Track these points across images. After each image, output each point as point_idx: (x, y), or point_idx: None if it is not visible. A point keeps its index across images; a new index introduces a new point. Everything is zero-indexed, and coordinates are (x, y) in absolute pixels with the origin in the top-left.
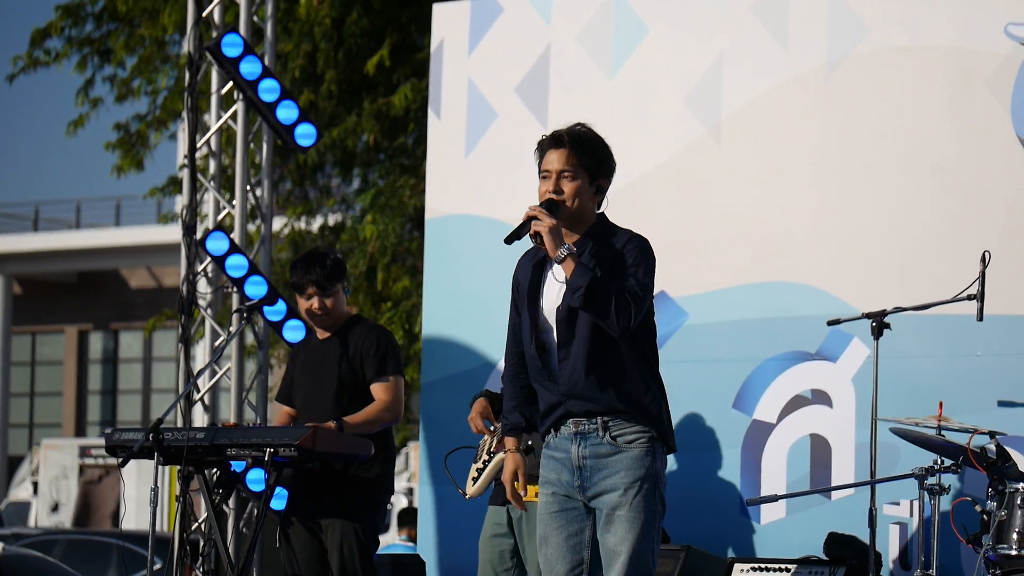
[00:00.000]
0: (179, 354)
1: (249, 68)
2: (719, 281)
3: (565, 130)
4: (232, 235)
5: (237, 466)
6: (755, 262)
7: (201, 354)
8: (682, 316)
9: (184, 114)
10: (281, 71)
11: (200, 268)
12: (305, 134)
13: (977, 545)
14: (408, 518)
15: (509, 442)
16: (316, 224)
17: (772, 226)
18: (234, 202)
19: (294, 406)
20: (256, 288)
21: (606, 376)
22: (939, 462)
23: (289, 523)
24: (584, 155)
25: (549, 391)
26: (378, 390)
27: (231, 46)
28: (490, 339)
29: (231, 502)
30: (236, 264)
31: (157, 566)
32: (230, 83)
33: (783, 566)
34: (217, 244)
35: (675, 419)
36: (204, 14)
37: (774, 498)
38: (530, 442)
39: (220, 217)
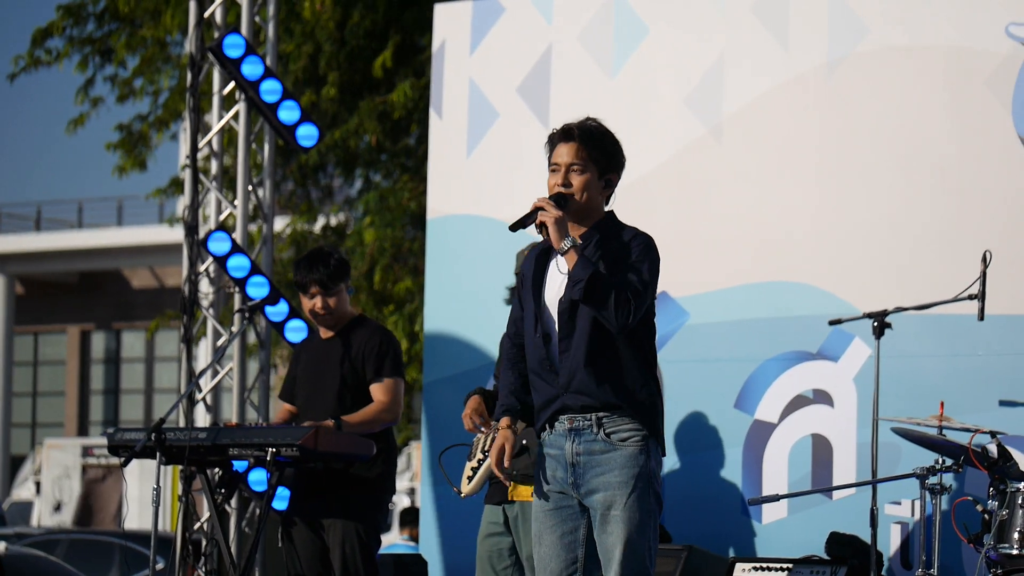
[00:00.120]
0: (181, 354)
1: (251, 69)
2: (720, 281)
3: (575, 124)
4: (234, 235)
5: (239, 466)
6: (756, 262)
7: (203, 354)
8: (683, 316)
9: (186, 115)
10: (283, 72)
11: (202, 268)
12: (307, 135)
13: (978, 545)
14: (410, 518)
15: (502, 422)
16: (318, 225)
17: (773, 226)
18: (236, 202)
19: (295, 404)
20: (258, 288)
21: (604, 371)
22: (940, 462)
23: (292, 523)
24: (594, 149)
25: (548, 383)
26: (377, 391)
27: (233, 47)
28: (492, 339)
29: (233, 502)
30: (238, 264)
31: (159, 566)
32: (232, 83)
33: (785, 566)
34: (219, 244)
35: (677, 419)
36: (206, 15)
37: (776, 498)
38: (524, 442)
39: (222, 217)
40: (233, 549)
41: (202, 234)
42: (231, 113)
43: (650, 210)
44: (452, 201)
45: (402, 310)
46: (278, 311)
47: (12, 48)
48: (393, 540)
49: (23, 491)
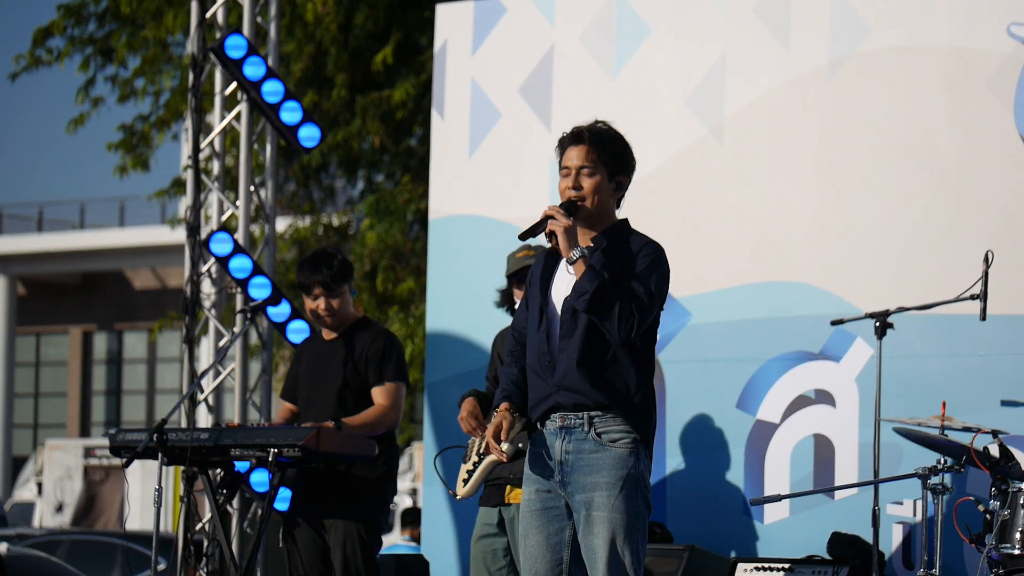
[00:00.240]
0: (183, 355)
1: (253, 69)
2: (722, 281)
3: (585, 126)
4: (236, 236)
5: (241, 466)
6: (758, 262)
7: (205, 355)
8: (685, 316)
9: (188, 115)
10: (284, 72)
11: (204, 269)
12: (309, 135)
13: (980, 545)
14: (411, 518)
15: (501, 407)
16: (321, 225)
17: (775, 226)
18: (238, 203)
19: (297, 404)
20: (260, 289)
21: (598, 371)
22: (942, 462)
23: (294, 524)
24: (603, 151)
25: (543, 380)
26: (378, 395)
27: (235, 47)
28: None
29: (235, 502)
30: (240, 265)
31: (161, 566)
32: (234, 84)
33: (786, 566)
34: (221, 245)
35: (679, 419)
36: (208, 15)
37: (777, 498)
38: (520, 445)
39: (224, 218)
40: (235, 550)
41: (204, 235)
42: (233, 113)
43: (652, 210)
44: (454, 201)
45: (407, 310)
46: (280, 312)
47: (13, 48)
48: (394, 540)
49: (25, 492)
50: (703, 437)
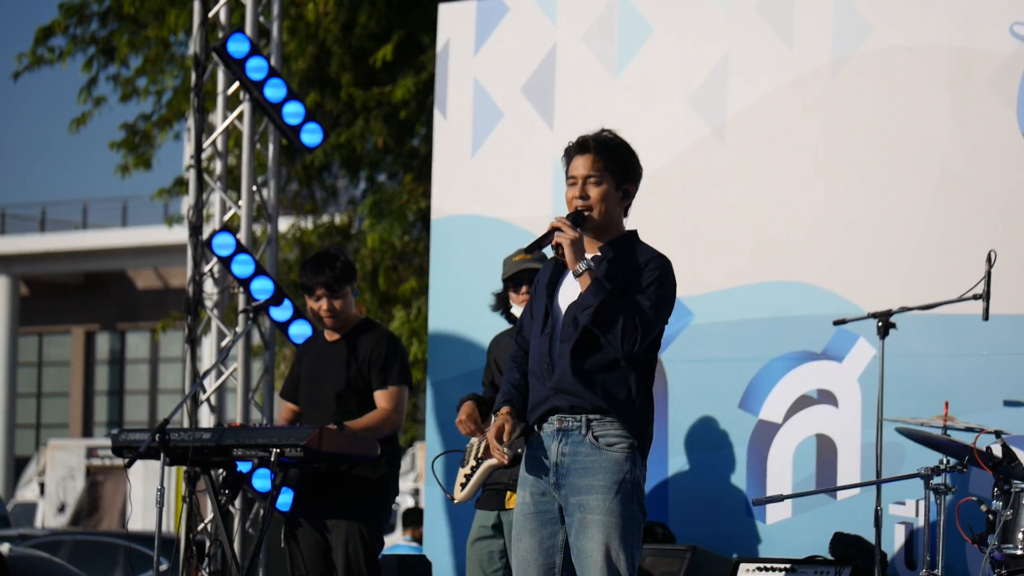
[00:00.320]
0: (185, 355)
1: (255, 68)
2: (725, 281)
3: (591, 136)
4: (238, 236)
5: (243, 466)
6: (760, 262)
7: (207, 354)
8: (688, 316)
9: (190, 114)
10: (286, 72)
11: (206, 268)
12: (311, 135)
13: (983, 545)
14: (413, 518)
15: (502, 411)
16: (323, 226)
17: (777, 225)
18: (240, 202)
19: (299, 404)
20: (262, 288)
21: (597, 375)
22: (945, 462)
23: (296, 524)
24: (610, 160)
25: (542, 383)
26: (380, 398)
27: (237, 47)
28: None
29: (237, 502)
30: (242, 265)
31: (163, 567)
32: (236, 83)
33: (789, 566)
34: (223, 245)
35: (681, 419)
36: (210, 15)
37: (780, 498)
38: (520, 450)
39: (226, 217)
40: (237, 550)
41: (206, 234)
42: (235, 113)
43: (654, 210)
44: (456, 201)
45: (409, 308)
46: (282, 311)
47: (16, 47)
48: (396, 541)
49: (27, 492)
50: (705, 437)
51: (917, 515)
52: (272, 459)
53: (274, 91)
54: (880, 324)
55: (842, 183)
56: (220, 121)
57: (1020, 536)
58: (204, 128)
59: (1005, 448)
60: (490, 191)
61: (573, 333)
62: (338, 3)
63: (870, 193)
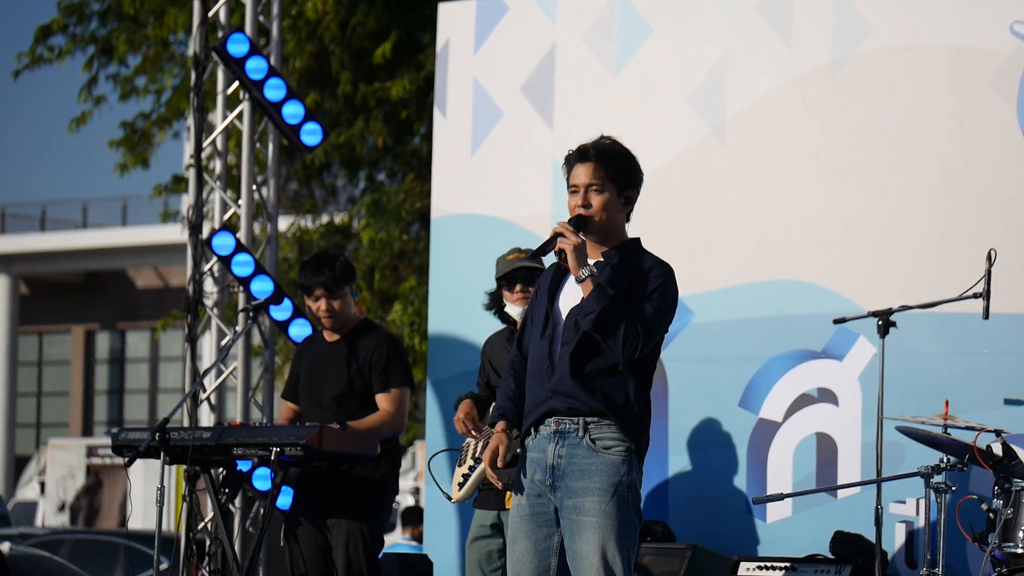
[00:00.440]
0: (185, 354)
1: (255, 68)
2: (725, 280)
3: (591, 144)
4: (238, 235)
5: (243, 465)
6: (760, 261)
7: (208, 353)
8: (688, 315)
9: (190, 114)
10: (285, 71)
11: (206, 268)
12: (311, 134)
13: (983, 543)
14: (411, 517)
15: (498, 426)
16: (322, 225)
17: (777, 224)
18: (240, 201)
19: (299, 404)
20: (262, 287)
21: (596, 378)
22: (945, 460)
23: (296, 523)
24: (611, 168)
25: (541, 385)
26: (382, 400)
27: (237, 46)
28: None
29: (237, 501)
30: (242, 263)
31: (163, 565)
32: (236, 83)
33: (789, 565)
34: (223, 244)
35: (681, 418)
36: (210, 14)
37: (780, 497)
38: (518, 451)
39: (226, 217)
40: (237, 549)
41: (206, 233)
42: (235, 112)
43: (654, 209)
44: (456, 200)
45: (412, 304)
46: (282, 310)
47: (15, 47)
48: (395, 540)
49: (28, 491)
50: (705, 436)
51: (917, 514)
52: (272, 458)
53: (274, 91)
54: (880, 323)
55: (842, 182)
56: (220, 120)
57: (1021, 534)
58: (204, 127)
59: (1005, 446)
60: (490, 190)
61: (574, 336)
62: (337, 1)
63: (870, 192)
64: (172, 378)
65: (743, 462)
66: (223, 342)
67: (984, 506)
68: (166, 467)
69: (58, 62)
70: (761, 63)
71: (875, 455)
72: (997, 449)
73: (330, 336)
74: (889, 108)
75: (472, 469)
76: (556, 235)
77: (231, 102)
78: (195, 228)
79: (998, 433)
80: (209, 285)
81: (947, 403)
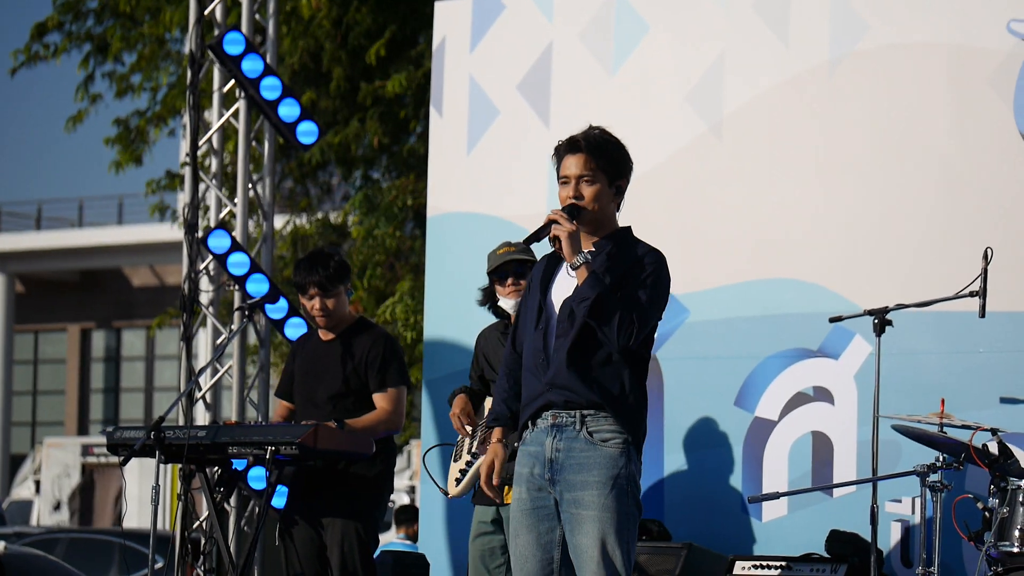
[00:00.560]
0: (181, 352)
1: (251, 66)
2: (721, 278)
3: (581, 135)
4: (234, 233)
5: (238, 464)
6: (756, 259)
7: (203, 352)
8: (683, 313)
9: (186, 112)
10: (281, 69)
11: (202, 266)
12: (307, 132)
13: (979, 542)
14: (405, 516)
15: (494, 434)
16: (318, 223)
17: (774, 223)
18: (236, 200)
19: (293, 402)
20: (258, 286)
21: (591, 371)
22: (941, 459)
23: (292, 521)
24: (601, 158)
25: (537, 379)
26: (379, 400)
27: (233, 44)
28: None
29: (232, 500)
30: (238, 262)
31: (158, 564)
32: (232, 81)
33: (784, 564)
34: (219, 242)
35: (677, 417)
36: (206, 12)
37: (775, 495)
38: (516, 444)
39: (222, 215)
40: (232, 548)
41: (202, 232)
42: (231, 111)
43: (651, 207)
44: (452, 198)
45: (411, 300)
46: (278, 308)
47: (11, 44)
48: (389, 539)
49: (23, 490)
50: (701, 434)
51: (913, 513)
52: (267, 457)
53: (269, 89)
54: (876, 321)
55: (839, 181)
56: (216, 119)
57: (1016, 533)
58: (200, 126)
59: (1001, 445)
60: (486, 189)
61: (568, 328)
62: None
63: (867, 191)
64: (168, 377)
65: (739, 461)
66: (218, 341)
67: (980, 505)
68: (161, 466)
69: (54, 60)
70: (758, 62)
71: (871, 454)
72: (993, 448)
73: (325, 335)
74: (886, 107)
75: (469, 464)
76: (550, 222)
77: (227, 100)
78: (191, 226)
79: (994, 432)
80: (205, 284)
81: (943, 402)
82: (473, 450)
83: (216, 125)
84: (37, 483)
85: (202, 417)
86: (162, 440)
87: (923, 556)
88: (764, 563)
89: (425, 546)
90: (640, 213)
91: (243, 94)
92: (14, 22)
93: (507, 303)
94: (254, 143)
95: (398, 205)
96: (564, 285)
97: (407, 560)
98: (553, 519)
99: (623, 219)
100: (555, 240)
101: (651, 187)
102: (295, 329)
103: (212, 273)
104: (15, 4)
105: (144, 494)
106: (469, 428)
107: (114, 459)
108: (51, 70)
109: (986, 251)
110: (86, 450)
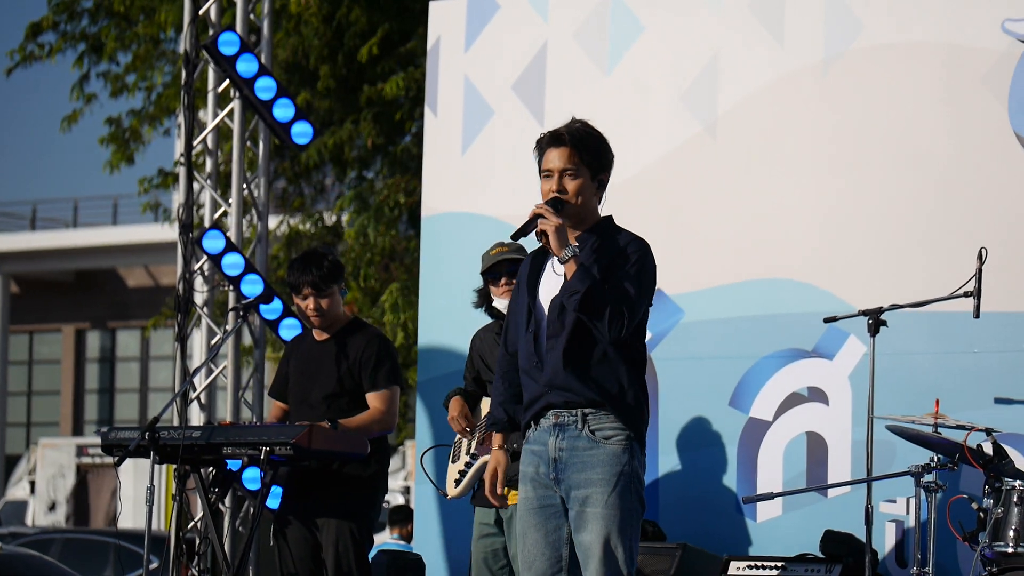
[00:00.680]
0: (176, 353)
1: (245, 66)
2: (715, 278)
3: (564, 128)
4: (228, 233)
5: (233, 464)
6: (751, 259)
7: (198, 353)
8: (678, 313)
9: (180, 112)
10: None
11: (196, 267)
12: (302, 132)
13: (973, 542)
14: (399, 516)
15: (495, 440)
16: (310, 224)
17: (768, 223)
18: (230, 200)
19: (288, 403)
20: (252, 286)
21: (588, 370)
22: (935, 459)
23: (286, 522)
24: (585, 152)
25: (535, 380)
26: (373, 399)
27: (227, 44)
28: None
29: (227, 500)
30: (232, 262)
31: (153, 565)
32: (226, 81)
33: (779, 564)
34: (213, 242)
35: (671, 417)
36: (200, 12)
37: (770, 496)
38: (516, 445)
39: (216, 215)
40: (227, 548)
41: (196, 232)
42: (226, 111)
43: (645, 207)
44: (447, 198)
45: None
46: (272, 309)
47: (7, 46)
48: (383, 539)
49: (18, 490)
50: (696, 435)
51: (908, 513)
52: (262, 457)
53: (264, 89)
54: (871, 321)
55: (833, 180)
56: (210, 119)
57: (1011, 534)
58: (194, 126)
59: (996, 446)
60: (481, 189)
61: (559, 328)
62: None
63: (861, 190)
64: (163, 377)
65: (733, 461)
66: (213, 341)
67: (974, 505)
68: (156, 466)
69: (49, 60)
70: (753, 61)
71: (865, 454)
72: (987, 448)
73: (319, 335)
74: (881, 106)
75: (468, 465)
76: (536, 216)
77: (222, 100)
78: (185, 227)
79: (988, 432)
80: (199, 284)
81: (937, 402)
82: (472, 451)
83: (211, 125)
84: (32, 484)
85: (197, 417)
86: (157, 440)
87: (918, 556)
88: (759, 563)
89: (420, 546)
90: (634, 213)
91: (238, 94)
92: (9, 22)
93: (501, 303)
94: (249, 143)
95: (389, 204)
96: (551, 284)
97: (403, 560)
98: (560, 517)
99: (617, 219)
100: (542, 234)
101: (645, 187)
102: (289, 330)
103: (207, 273)
104: (10, 4)
105: (139, 494)
106: (468, 430)
107: (109, 459)
108: (46, 70)
109: (980, 251)
110: (81, 450)
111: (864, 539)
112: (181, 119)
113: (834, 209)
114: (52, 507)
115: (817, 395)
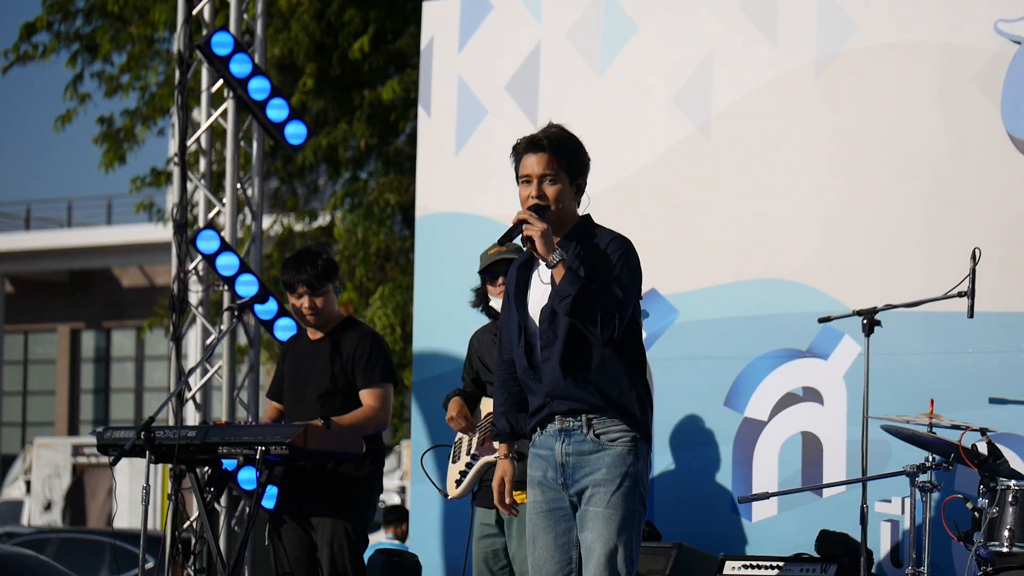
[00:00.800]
0: (171, 353)
1: (239, 67)
2: (709, 278)
3: (542, 133)
4: (223, 233)
5: (228, 464)
6: (745, 259)
7: (193, 352)
8: (672, 314)
9: (174, 112)
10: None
11: (191, 266)
12: (295, 133)
13: (968, 542)
14: (393, 516)
15: (500, 450)
16: (302, 224)
17: (762, 223)
18: (224, 200)
19: (283, 403)
20: (247, 286)
21: (587, 375)
22: (930, 459)
23: (281, 521)
24: (563, 157)
25: (535, 391)
26: (367, 397)
27: (221, 44)
28: None
29: (222, 500)
30: (227, 263)
31: (149, 564)
32: (220, 81)
33: (774, 564)
34: (208, 243)
35: (666, 417)
36: (194, 12)
37: (765, 496)
38: (518, 449)
39: (211, 215)
40: (222, 547)
41: (190, 232)
42: (220, 111)
43: (639, 208)
44: (440, 198)
45: (386, 299)
46: (267, 309)
47: (1, 46)
48: (378, 539)
49: (13, 490)
50: (691, 435)
51: (903, 513)
52: (257, 457)
53: (258, 89)
54: (865, 322)
55: (827, 180)
56: (204, 119)
57: (1006, 533)
58: (188, 125)
59: (990, 445)
60: (474, 189)
61: (553, 337)
62: None
63: (855, 190)
64: (158, 377)
65: (728, 461)
66: (208, 341)
67: (969, 505)
68: (151, 466)
69: (42, 60)
70: (746, 61)
71: (860, 454)
72: (982, 448)
73: (313, 334)
74: (874, 106)
75: (469, 466)
76: (520, 222)
77: (215, 100)
78: (180, 227)
79: (983, 432)
80: (194, 284)
81: (932, 402)
82: (472, 451)
83: (204, 125)
84: (28, 483)
85: (192, 417)
86: (152, 440)
87: (913, 556)
88: (754, 563)
89: (416, 546)
90: (628, 213)
91: (231, 94)
92: (3, 22)
93: (499, 303)
94: (242, 143)
95: (380, 204)
96: (539, 294)
97: (399, 560)
98: (570, 519)
99: (610, 219)
100: (528, 240)
101: (639, 187)
102: (284, 329)
103: (201, 273)
104: (4, 4)
105: (134, 494)
106: (468, 430)
107: (105, 459)
108: (40, 70)
109: (974, 251)
110: (76, 450)
111: (859, 539)
112: (175, 119)
113: (829, 209)
114: (48, 507)
115: (812, 395)
